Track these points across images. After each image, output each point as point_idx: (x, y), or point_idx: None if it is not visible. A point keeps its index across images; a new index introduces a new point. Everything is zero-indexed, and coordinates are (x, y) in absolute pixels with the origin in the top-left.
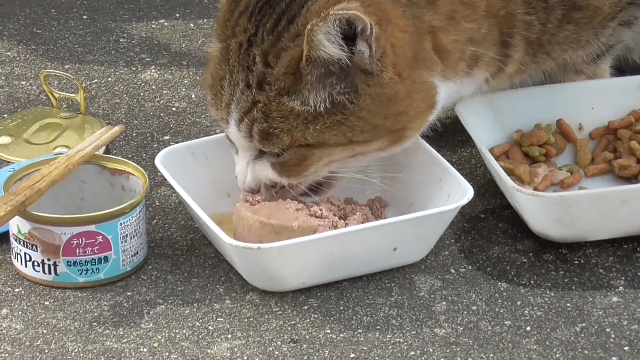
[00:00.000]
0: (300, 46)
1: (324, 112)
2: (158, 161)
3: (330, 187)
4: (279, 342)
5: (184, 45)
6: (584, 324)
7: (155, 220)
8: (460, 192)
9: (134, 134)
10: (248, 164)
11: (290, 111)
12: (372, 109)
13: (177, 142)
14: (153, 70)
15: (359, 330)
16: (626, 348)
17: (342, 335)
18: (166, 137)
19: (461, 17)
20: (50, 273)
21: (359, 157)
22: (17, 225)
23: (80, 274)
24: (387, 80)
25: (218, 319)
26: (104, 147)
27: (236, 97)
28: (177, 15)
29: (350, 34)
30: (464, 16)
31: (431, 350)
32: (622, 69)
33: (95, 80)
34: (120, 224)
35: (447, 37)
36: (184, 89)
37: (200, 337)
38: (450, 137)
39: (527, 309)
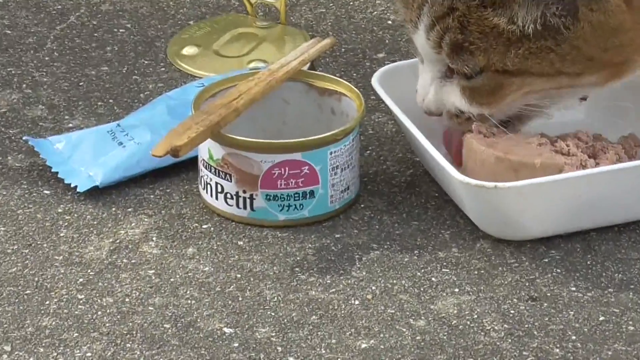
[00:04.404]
0: None
1: (532, 35)
2: (375, 81)
3: (523, 122)
4: (514, 300)
5: None
6: None
7: (368, 152)
8: None
9: (342, 50)
10: (433, 80)
11: (493, 28)
12: (590, 39)
13: (394, 61)
14: None
15: (609, 290)
16: None
17: (589, 294)
18: (380, 55)
19: None
20: (245, 208)
21: (564, 89)
22: (208, 150)
23: (281, 210)
24: (613, 8)
25: (443, 270)
26: (308, 64)
27: None
28: None
29: None
30: None
31: None
32: None
33: None
34: (331, 153)
35: None
36: None
37: (421, 289)
38: None
39: None
